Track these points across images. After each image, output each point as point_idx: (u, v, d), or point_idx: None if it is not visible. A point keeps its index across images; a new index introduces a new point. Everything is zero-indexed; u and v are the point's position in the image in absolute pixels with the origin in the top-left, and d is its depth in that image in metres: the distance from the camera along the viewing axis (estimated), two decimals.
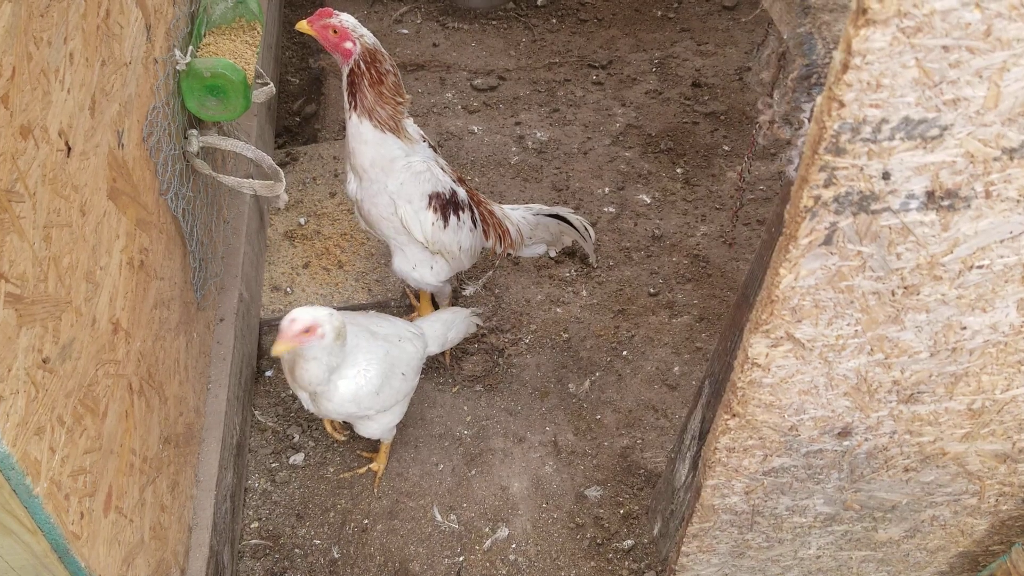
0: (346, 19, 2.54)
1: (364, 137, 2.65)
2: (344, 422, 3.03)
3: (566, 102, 4.35)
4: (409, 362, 2.70)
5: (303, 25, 2.55)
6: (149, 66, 2.16)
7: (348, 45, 2.53)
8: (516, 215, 3.13)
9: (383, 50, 2.59)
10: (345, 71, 2.59)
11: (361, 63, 2.55)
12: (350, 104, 2.62)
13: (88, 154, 1.74)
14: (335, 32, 2.53)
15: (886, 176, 1.29)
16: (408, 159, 2.72)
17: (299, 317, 2.32)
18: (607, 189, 3.92)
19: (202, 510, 2.47)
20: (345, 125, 2.71)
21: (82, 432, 1.67)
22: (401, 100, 2.65)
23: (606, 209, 3.84)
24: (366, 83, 2.57)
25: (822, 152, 1.25)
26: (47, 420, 1.52)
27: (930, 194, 1.33)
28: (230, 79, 2.34)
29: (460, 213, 2.86)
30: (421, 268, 2.96)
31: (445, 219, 2.82)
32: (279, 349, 2.30)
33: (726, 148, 4.13)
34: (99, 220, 1.80)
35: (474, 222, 2.94)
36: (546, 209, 3.19)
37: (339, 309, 2.88)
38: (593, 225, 3.71)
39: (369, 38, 2.56)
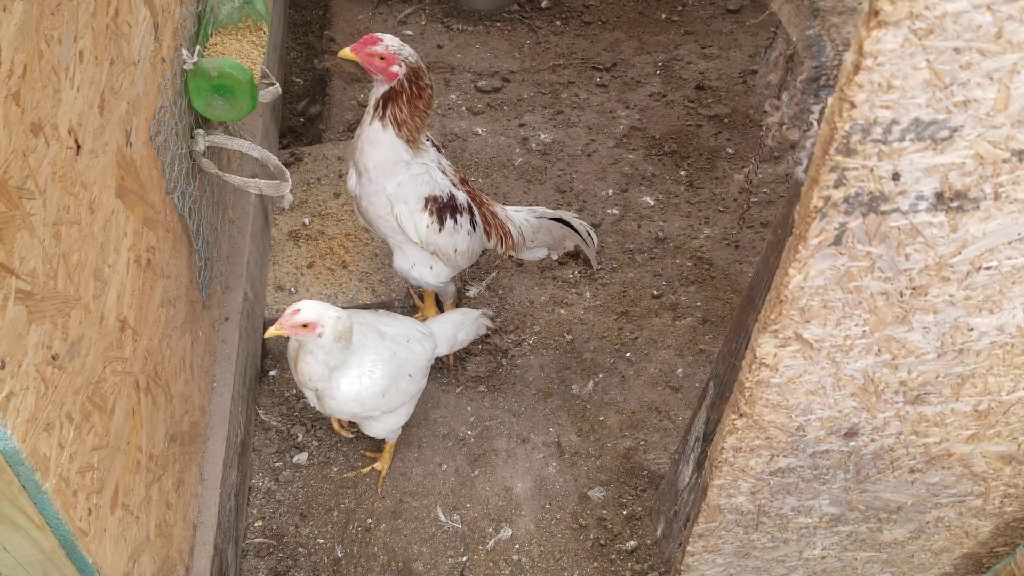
0: (390, 43, 2.53)
1: (378, 141, 2.65)
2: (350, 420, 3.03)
3: (570, 104, 4.36)
4: (417, 363, 2.70)
5: (347, 52, 2.54)
6: (157, 65, 2.16)
7: (395, 69, 2.54)
8: (519, 217, 3.13)
9: (423, 65, 2.60)
10: (383, 89, 2.59)
11: (405, 82, 2.57)
12: (376, 113, 2.62)
13: (97, 152, 1.74)
14: (382, 59, 2.53)
15: (896, 177, 1.30)
16: (410, 163, 2.72)
17: (304, 309, 2.32)
18: (611, 191, 3.93)
19: (207, 508, 2.47)
20: (359, 124, 2.70)
21: (90, 429, 1.67)
22: (429, 111, 2.66)
23: (610, 211, 3.85)
24: (405, 99, 2.58)
25: (833, 153, 1.25)
26: (56, 416, 1.52)
27: (939, 195, 1.34)
28: (237, 79, 2.35)
29: (458, 217, 2.86)
30: (420, 267, 2.96)
31: (441, 222, 2.82)
32: (270, 333, 2.31)
33: (730, 151, 4.14)
34: (107, 218, 1.80)
35: (473, 225, 2.94)
36: (549, 212, 3.19)
37: (347, 308, 2.89)
38: (596, 227, 3.72)
39: (412, 57, 2.56)
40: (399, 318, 2.79)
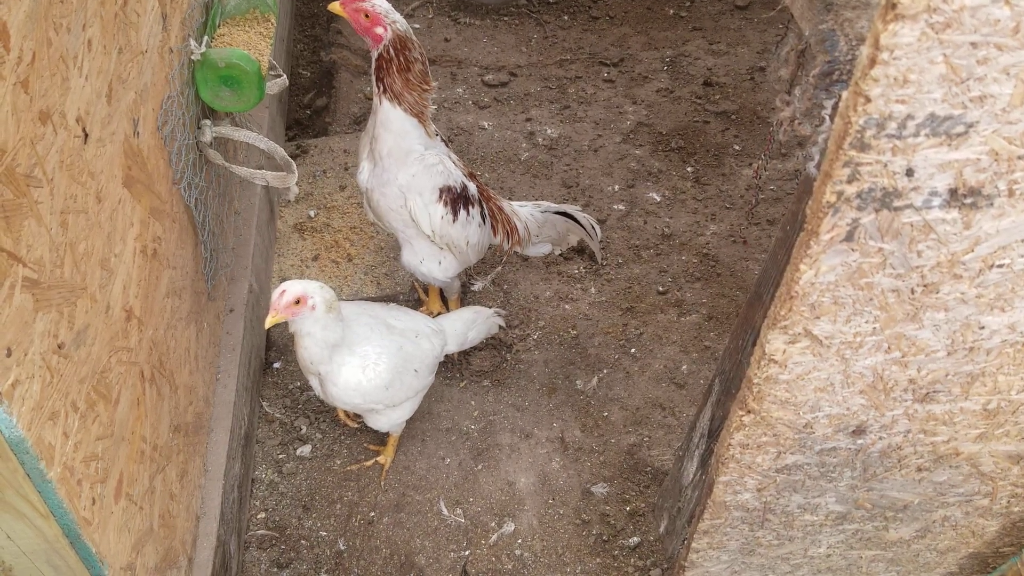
0: (379, 4, 2.53)
1: (389, 122, 2.64)
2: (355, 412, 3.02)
3: (577, 99, 4.35)
4: (424, 359, 2.68)
5: (336, 7, 2.55)
6: (164, 55, 2.16)
7: (379, 30, 2.53)
8: (524, 212, 3.12)
9: (413, 37, 2.58)
10: (374, 55, 2.59)
11: (390, 48, 2.55)
12: (379, 88, 2.61)
13: (104, 141, 1.74)
14: (367, 16, 2.52)
15: (910, 173, 1.29)
16: (424, 153, 2.71)
17: (288, 289, 2.32)
18: (617, 187, 3.92)
19: (210, 499, 2.47)
20: (369, 115, 2.69)
21: (95, 418, 1.67)
22: (427, 87, 2.64)
23: (616, 207, 3.84)
24: (394, 69, 2.57)
25: (846, 147, 1.24)
26: (61, 405, 1.52)
27: (953, 192, 1.32)
28: (244, 70, 2.34)
29: (470, 208, 2.85)
30: (429, 262, 2.95)
31: (454, 213, 2.81)
32: (269, 322, 2.31)
33: (737, 147, 4.12)
34: (114, 207, 1.79)
35: (483, 218, 2.94)
36: (554, 207, 3.18)
37: (353, 300, 2.88)
38: (602, 223, 3.71)
39: (401, 24, 2.54)
40: (410, 313, 2.78)
